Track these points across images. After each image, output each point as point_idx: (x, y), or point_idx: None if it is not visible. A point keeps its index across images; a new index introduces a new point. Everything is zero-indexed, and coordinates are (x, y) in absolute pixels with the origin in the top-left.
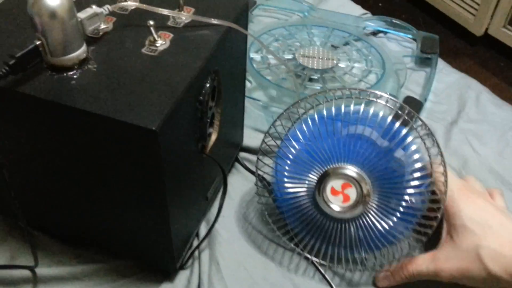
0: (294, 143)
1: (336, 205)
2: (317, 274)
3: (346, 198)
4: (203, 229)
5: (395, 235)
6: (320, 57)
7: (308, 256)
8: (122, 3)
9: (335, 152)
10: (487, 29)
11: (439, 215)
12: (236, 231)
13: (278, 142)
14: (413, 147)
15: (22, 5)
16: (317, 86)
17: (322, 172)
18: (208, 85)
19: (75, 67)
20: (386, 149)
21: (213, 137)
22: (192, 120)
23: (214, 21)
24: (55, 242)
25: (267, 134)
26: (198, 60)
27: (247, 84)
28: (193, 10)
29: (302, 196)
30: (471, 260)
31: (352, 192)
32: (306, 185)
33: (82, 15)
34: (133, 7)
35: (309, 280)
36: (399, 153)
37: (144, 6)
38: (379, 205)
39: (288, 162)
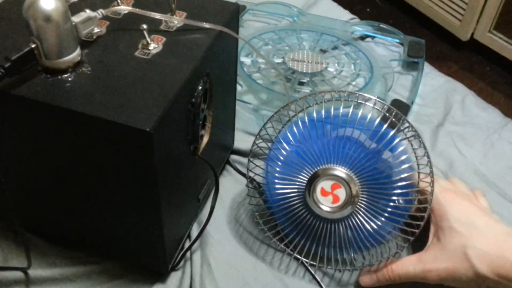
0: (284, 145)
1: (325, 205)
2: (307, 275)
3: (336, 198)
4: (194, 231)
5: (383, 235)
6: (310, 61)
7: (298, 256)
8: (115, 8)
9: (325, 153)
10: (473, 34)
11: (426, 215)
12: (227, 233)
13: (269, 144)
14: (400, 149)
15: (18, 9)
16: (307, 90)
17: (312, 173)
18: (200, 87)
19: (70, 70)
20: (374, 150)
21: (205, 139)
22: (185, 122)
23: (205, 25)
24: (48, 243)
25: (258, 136)
26: (190, 63)
27: (238, 87)
28: (185, 14)
29: (293, 197)
30: (459, 260)
31: (341, 193)
32: (296, 186)
33: (76, 19)
34: (126, 12)
35: (300, 281)
36: (386, 155)
37: (137, 11)
38: (367, 205)
39: (279, 163)
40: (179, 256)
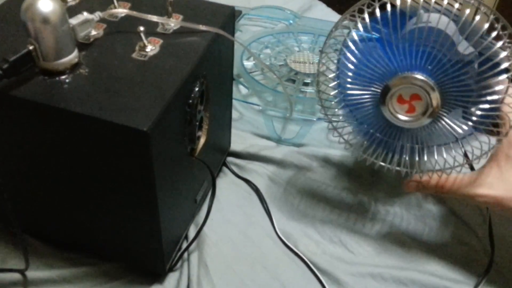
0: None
1: (402, 114)
2: (305, 275)
3: (412, 109)
4: (192, 232)
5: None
6: (311, 62)
7: (301, 255)
8: (113, 10)
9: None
10: None
11: (503, 138)
12: (224, 234)
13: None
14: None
15: (16, 10)
16: (312, 90)
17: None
18: (197, 89)
19: (67, 71)
20: (465, 59)
21: (202, 140)
22: (182, 123)
23: (202, 27)
24: (45, 245)
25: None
26: (187, 65)
27: (243, 90)
28: (181, 17)
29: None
30: None
31: (419, 104)
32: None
33: (74, 21)
34: (123, 14)
35: (298, 281)
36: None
37: (134, 13)
38: (445, 120)
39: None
40: (177, 257)
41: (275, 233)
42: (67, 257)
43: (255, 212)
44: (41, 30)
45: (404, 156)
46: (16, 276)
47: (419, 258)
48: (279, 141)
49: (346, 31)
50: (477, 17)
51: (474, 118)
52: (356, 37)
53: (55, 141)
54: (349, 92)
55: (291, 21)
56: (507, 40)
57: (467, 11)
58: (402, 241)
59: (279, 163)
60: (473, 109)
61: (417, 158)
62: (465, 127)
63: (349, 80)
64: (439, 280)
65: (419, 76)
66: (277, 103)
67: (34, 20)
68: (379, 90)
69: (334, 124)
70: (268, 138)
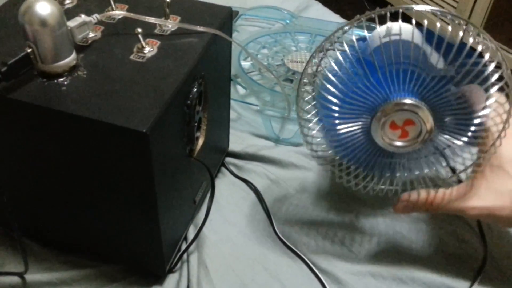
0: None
1: (395, 140)
2: (305, 275)
3: (405, 133)
4: (191, 232)
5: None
6: None
7: (301, 255)
8: (110, 12)
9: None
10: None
11: (487, 151)
12: (223, 234)
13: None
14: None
15: (14, 13)
16: (310, 89)
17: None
18: (195, 90)
19: (65, 73)
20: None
21: (200, 141)
22: (181, 124)
23: (199, 28)
24: (44, 248)
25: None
26: (185, 66)
27: (241, 90)
28: (179, 18)
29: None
30: (504, 202)
31: (413, 129)
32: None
33: (71, 23)
34: (120, 16)
35: (298, 281)
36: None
37: (131, 15)
38: (438, 142)
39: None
40: (176, 258)
41: (275, 233)
42: (66, 260)
43: (254, 212)
44: (39, 33)
45: (387, 174)
46: (15, 279)
47: (419, 256)
48: (277, 141)
49: (324, 62)
50: (460, 33)
51: (467, 134)
52: (338, 71)
53: (54, 144)
54: (338, 127)
55: (288, 21)
56: (489, 57)
57: (438, 24)
58: (402, 239)
59: (278, 163)
60: (463, 125)
61: (403, 174)
62: (458, 142)
63: (335, 115)
64: (439, 278)
65: (409, 100)
66: (275, 103)
67: (32, 23)
68: (368, 120)
69: (314, 148)
70: (266, 138)
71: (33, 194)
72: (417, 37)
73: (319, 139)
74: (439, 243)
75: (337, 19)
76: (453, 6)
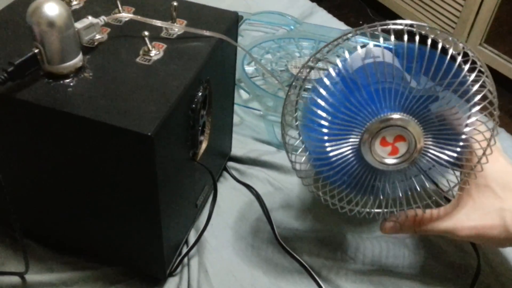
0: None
1: (387, 157)
2: (304, 280)
3: (395, 150)
4: (192, 237)
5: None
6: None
7: (301, 260)
8: (117, 15)
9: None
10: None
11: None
12: (224, 239)
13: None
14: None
15: (22, 14)
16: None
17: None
18: (200, 93)
19: (72, 75)
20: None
21: (204, 145)
22: (185, 128)
23: (205, 33)
24: (45, 248)
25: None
26: (191, 69)
27: (244, 95)
28: (185, 22)
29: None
30: (493, 221)
31: (403, 146)
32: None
33: (79, 25)
34: (127, 19)
35: (298, 287)
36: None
37: (138, 18)
38: (427, 159)
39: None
40: (177, 262)
41: (276, 239)
42: (67, 261)
43: (255, 217)
44: (46, 34)
45: (372, 196)
46: (16, 279)
47: (419, 264)
48: (279, 146)
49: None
50: (450, 51)
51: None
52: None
53: (58, 144)
54: (328, 149)
55: (292, 27)
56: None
57: (417, 38)
58: (402, 247)
59: (280, 168)
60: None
61: (389, 197)
62: (442, 162)
63: (325, 138)
64: (439, 286)
65: (397, 115)
66: (277, 108)
67: (40, 24)
68: (358, 138)
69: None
70: (268, 143)
71: (36, 194)
72: (389, 57)
73: (305, 165)
74: (439, 252)
75: (340, 26)
76: (456, 16)
